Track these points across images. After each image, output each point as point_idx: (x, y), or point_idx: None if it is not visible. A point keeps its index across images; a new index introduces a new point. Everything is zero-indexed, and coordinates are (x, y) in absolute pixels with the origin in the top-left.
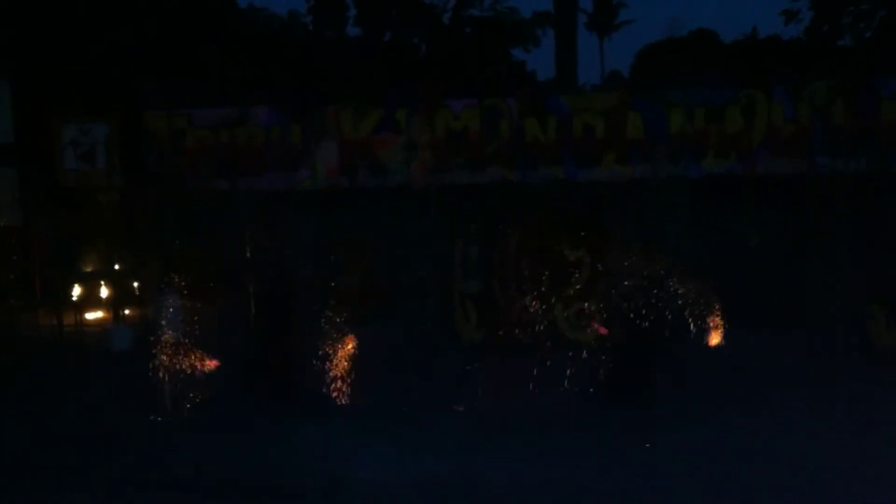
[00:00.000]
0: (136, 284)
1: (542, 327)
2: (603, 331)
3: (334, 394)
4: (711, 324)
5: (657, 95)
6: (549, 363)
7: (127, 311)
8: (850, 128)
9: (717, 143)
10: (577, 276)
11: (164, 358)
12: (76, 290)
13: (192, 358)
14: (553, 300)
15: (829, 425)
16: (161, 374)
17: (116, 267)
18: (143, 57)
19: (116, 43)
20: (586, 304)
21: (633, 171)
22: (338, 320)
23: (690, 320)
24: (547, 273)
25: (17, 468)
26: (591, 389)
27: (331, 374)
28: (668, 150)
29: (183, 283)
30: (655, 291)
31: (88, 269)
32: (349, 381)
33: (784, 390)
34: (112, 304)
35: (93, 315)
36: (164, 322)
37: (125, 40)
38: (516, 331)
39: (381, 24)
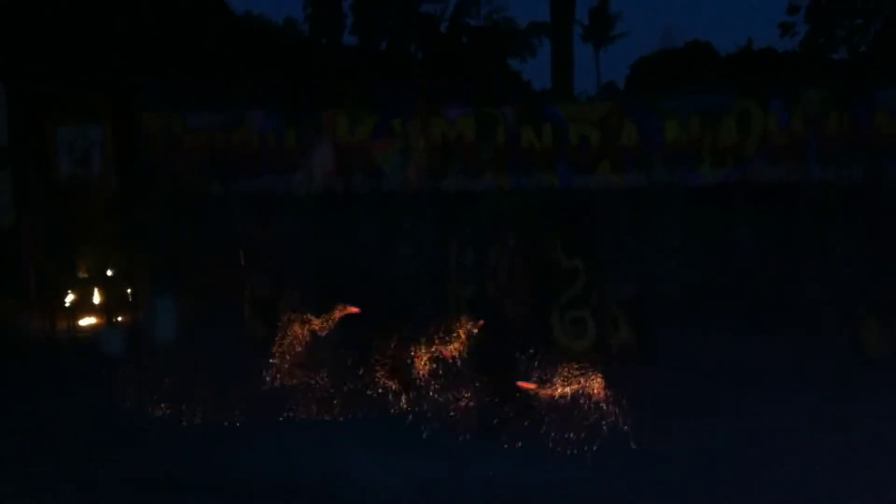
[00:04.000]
0: (129, 291)
1: (535, 335)
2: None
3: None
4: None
5: (652, 104)
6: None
7: (119, 318)
8: (843, 137)
9: (712, 152)
10: (571, 283)
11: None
12: (69, 297)
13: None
14: (548, 307)
15: (817, 433)
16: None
17: (109, 273)
18: (140, 53)
19: (113, 37)
20: (581, 312)
21: (627, 178)
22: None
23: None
24: (541, 280)
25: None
26: None
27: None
28: (663, 159)
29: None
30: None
31: (82, 275)
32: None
33: (776, 400)
34: (105, 310)
35: (86, 321)
36: (155, 326)
37: (121, 34)
38: (510, 338)
39: (378, 33)
